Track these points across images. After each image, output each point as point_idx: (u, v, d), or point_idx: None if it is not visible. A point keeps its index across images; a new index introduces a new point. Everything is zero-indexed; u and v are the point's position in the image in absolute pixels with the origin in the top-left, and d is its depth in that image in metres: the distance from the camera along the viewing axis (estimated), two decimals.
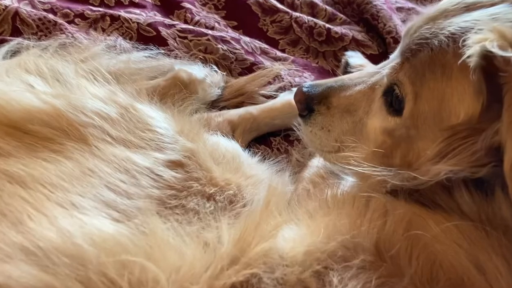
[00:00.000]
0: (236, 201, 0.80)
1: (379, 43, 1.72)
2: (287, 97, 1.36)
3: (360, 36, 1.71)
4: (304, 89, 0.99)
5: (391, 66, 0.86)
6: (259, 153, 1.18)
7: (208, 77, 1.31)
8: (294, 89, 1.42)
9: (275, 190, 0.79)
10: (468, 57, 0.69)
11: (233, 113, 1.25)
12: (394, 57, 0.89)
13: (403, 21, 1.87)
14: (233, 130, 1.22)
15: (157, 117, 0.90)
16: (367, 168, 0.80)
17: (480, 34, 0.69)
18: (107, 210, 0.67)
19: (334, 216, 0.72)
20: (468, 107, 0.74)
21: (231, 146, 0.95)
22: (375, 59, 1.66)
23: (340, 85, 0.96)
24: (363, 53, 1.67)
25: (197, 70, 1.30)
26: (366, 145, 0.91)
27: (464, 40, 0.71)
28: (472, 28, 0.75)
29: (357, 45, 1.69)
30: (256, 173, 0.90)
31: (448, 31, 0.79)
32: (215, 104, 1.34)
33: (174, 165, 0.79)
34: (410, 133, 0.82)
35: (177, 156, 0.81)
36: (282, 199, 0.83)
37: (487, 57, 0.67)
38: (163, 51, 1.37)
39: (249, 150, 1.26)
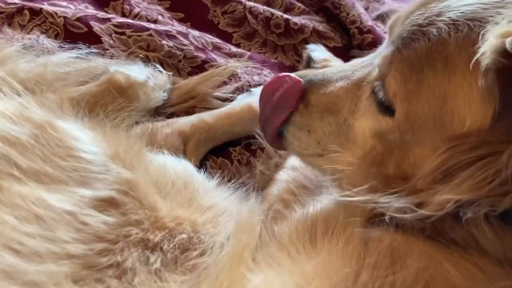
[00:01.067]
0: (192, 248, 0.60)
1: (341, 34, 1.56)
2: (247, 100, 1.17)
3: (321, 27, 1.54)
4: None
5: (381, 59, 0.69)
6: (218, 171, 0.99)
7: (151, 78, 1.10)
8: (254, 90, 1.24)
9: (246, 235, 0.61)
10: (482, 54, 0.53)
11: (184, 122, 1.05)
12: (383, 50, 0.73)
13: (366, 9, 1.72)
14: (185, 142, 1.03)
15: (84, 138, 0.69)
16: (357, 194, 0.63)
17: (503, 27, 0.53)
18: (6, 285, 0.46)
19: (324, 264, 0.54)
20: (477, 112, 0.59)
21: (182, 168, 0.75)
22: (339, 51, 1.50)
23: (319, 80, 0.79)
24: (325, 45, 1.51)
25: (137, 71, 1.09)
26: (353, 150, 0.76)
27: (481, 34, 0.55)
28: (481, 16, 0.59)
29: (318, 37, 1.52)
30: (215, 202, 0.71)
31: (448, 17, 0.64)
32: (161, 111, 1.14)
33: (106, 204, 0.59)
34: (404, 138, 0.67)
35: (109, 191, 0.60)
36: (254, 241, 0.65)
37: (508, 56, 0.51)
38: (96, 50, 1.15)
39: (205, 166, 1.07)
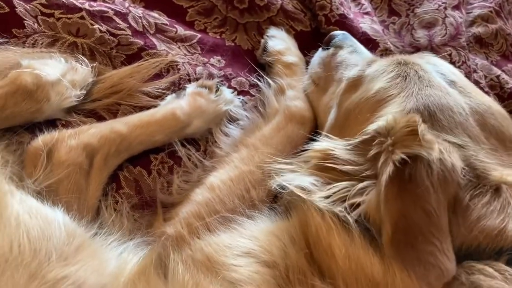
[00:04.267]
0: None
1: (313, 15, 1.41)
2: (171, 106, 1.08)
3: (290, 5, 1.40)
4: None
5: None
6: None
7: (67, 74, 1.02)
8: (188, 89, 1.15)
9: None
10: None
11: (93, 133, 0.98)
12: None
13: None
14: (91, 156, 0.96)
15: None
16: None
17: None
18: None
19: None
20: None
21: (39, 227, 0.69)
22: (306, 37, 1.38)
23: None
24: (292, 28, 1.38)
25: (49, 68, 1.00)
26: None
27: None
28: None
29: (285, 17, 1.38)
30: (66, 274, 0.66)
31: None
32: (80, 107, 1.06)
33: None
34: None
35: None
36: None
37: None
38: (11, 38, 1.06)
39: (112, 184, 1.01)
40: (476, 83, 1.39)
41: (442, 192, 0.71)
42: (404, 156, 0.71)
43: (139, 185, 1.04)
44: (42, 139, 0.94)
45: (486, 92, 1.36)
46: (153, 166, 1.06)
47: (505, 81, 1.47)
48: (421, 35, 1.46)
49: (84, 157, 0.95)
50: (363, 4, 1.50)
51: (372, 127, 0.81)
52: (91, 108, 1.07)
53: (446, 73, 0.99)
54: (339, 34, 1.21)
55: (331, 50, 1.18)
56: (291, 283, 0.76)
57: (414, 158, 0.71)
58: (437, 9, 1.51)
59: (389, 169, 0.71)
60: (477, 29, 1.56)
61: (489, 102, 0.96)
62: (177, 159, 1.08)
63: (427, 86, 0.93)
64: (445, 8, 1.51)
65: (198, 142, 1.12)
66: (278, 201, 1.00)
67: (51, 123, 1.01)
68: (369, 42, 1.34)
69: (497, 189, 0.79)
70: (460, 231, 0.75)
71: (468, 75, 1.37)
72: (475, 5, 1.63)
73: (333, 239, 0.75)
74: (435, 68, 1.00)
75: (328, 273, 0.75)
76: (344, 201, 0.78)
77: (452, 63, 1.39)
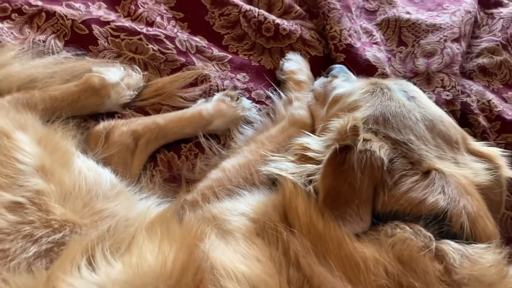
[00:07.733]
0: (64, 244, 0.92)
1: (328, 43, 1.71)
2: (199, 107, 1.43)
3: (308, 35, 1.71)
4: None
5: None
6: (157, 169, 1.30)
7: (124, 79, 1.39)
8: (216, 96, 1.49)
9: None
10: None
11: (139, 123, 1.34)
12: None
13: (375, 11, 1.85)
14: (136, 140, 1.32)
15: (27, 150, 1.01)
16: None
17: None
18: None
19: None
20: None
21: (93, 177, 1.05)
22: (319, 61, 1.68)
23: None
24: (307, 53, 1.69)
25: (111, 73, 1.38)
26: None
27: None
28: None
29: (303, 44, 1.70)
30: (106, 207, 1.01)
31: None
32: (132, 104, 1.43)
33: (15, 206, 0.92)
34: None
35: (20, 198, 0.93)
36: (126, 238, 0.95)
37: None
38: (88, 52, 1.45)
39: (154, 160, 1.37)
40: (467, 105, 1.63)
41: (368, 173, 0.99)
42: (337, 146, 1.00)
43: (171, 165, 1.39)
44: (103, 125, 1.31)
45: (475, 114, 1.60)
46: (183, 152, 1.41)
47: (494, 105, 1.66)
48: (421, 62, 1.70)
49: (131, 140, 1.31)
50: (374, 36, 1.79)
51: (332, 127, 1.11)
52: (140, 106, 1.44)
53: (408, 91, 1.26)
54: (337, 67, 1.51)
55: (329, 78, 1.48)
56: (266, 232, 1.03)
57: (346, 148, 1.00)
58: (438, 41, 1.74)
59: (327, 155, 1.01)
60: (482, 60, 1.78)
61: (442, 114, 1.22)
62: (201, 148, 1.42)
63: (387, 100, 1.21)
64: (445, 41, 1.74)
65: (219, 137, 1.45)
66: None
67: (110, 115, 1.39)
68: (370, 67, 1.62)
69: (426, 172, 1.05)
70: (386, 201, 1.01)
71: (455, 98, 1.61)
72: (484, 39, 1.85)
73: (299, 202, 1.03)
74: (400, 87, 1.28)
75: (293, 226, 1.02)
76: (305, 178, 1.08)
77: (443, 86, 1.64)
